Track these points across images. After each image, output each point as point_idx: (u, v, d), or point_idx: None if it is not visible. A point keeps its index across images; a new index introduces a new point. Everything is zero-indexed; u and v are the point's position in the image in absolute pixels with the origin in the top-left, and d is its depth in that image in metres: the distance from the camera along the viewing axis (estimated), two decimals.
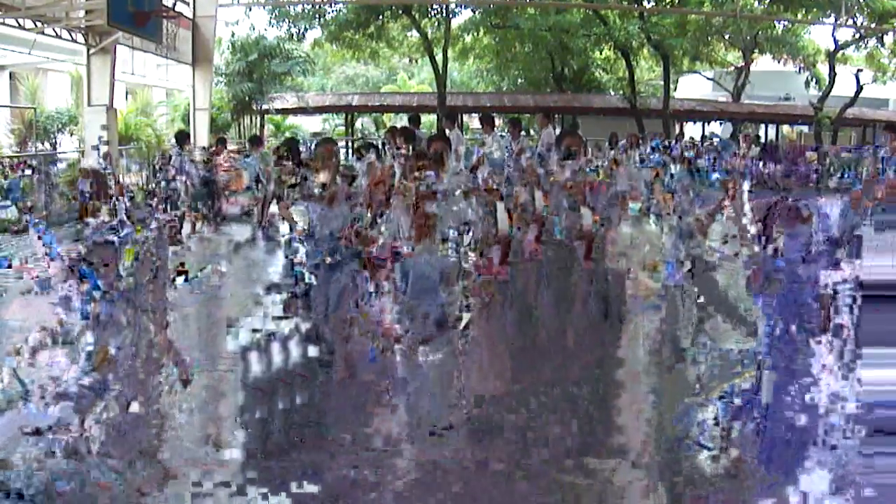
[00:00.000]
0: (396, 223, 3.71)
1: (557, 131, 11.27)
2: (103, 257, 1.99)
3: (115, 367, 2.00)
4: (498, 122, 29.74)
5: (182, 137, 10.26)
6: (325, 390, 2.93)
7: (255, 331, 3.65)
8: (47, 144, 15.64)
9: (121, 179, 10.26)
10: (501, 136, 8.51)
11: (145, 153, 15.40)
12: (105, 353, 1.99)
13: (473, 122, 27.32)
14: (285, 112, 23.44)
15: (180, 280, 2.67)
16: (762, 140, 25.37)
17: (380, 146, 6.78)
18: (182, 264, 2.78)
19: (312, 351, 2.93)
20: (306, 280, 3.42)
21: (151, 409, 2.10)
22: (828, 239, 2.88)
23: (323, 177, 4.52)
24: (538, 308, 4.11)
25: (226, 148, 11.05)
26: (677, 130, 23.56)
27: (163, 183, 8.65)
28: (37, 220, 2.13)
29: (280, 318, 3.42)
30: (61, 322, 2.02)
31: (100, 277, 2.00)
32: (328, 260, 3.41)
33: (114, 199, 2.29)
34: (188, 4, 16.33)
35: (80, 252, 2.01)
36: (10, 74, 18.29)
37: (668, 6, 22.92)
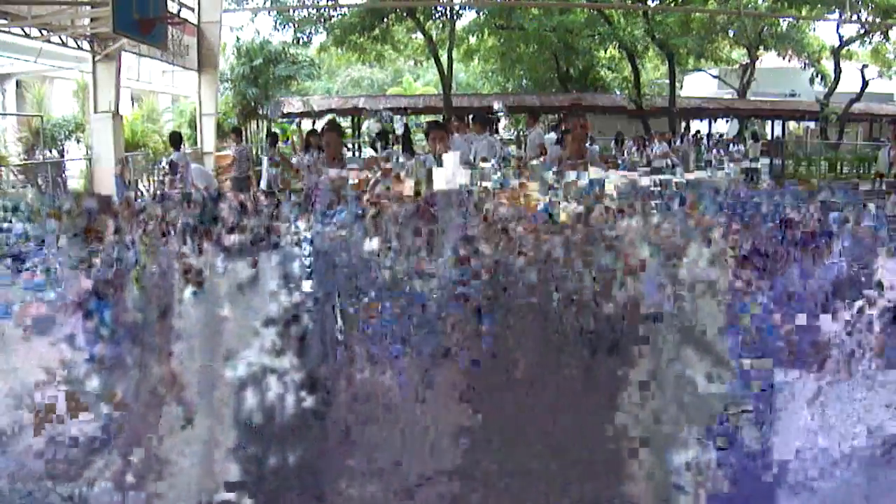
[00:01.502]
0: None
1: (550, 136, 11.06)
2: (113, 288, 1.91)
3: (123, 411, 1.92)
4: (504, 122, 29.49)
5: (177, 139, 9.99)
6: (322, 449, 2.62)
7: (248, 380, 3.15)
8: (55, 152, 15.65)
9: (132, 192, 10.12)
10: (493, 137, 8.28)
11: (152, 160, 15.41)
12: (113, 398, 1.91)
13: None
14: (291, 116, 23.44)
15: (189, 292, 2.53)
16: (769, 137, 25.23)
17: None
18: (192, 270, 2.59)
19: (308, 402, 2.56)
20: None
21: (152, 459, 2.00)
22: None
23: (333, 173, 4.40)
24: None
25: (240, 138, 10.73)
26: (683, 129, 23.47)
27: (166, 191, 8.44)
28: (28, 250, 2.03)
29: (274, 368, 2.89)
30: (63, 362, 1.94)
31: (108, 309, 1.91)
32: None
33: (118, 217, 2.19)
34: (193, 11, 16.32)
35: (90, 286, 1.93)
36: (17, 83, 18.34)
37: (673, 5, 22.82)
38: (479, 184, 3.24)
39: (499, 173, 3.68)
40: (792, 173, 17.93)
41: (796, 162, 20.46)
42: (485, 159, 5.22)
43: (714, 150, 16.50)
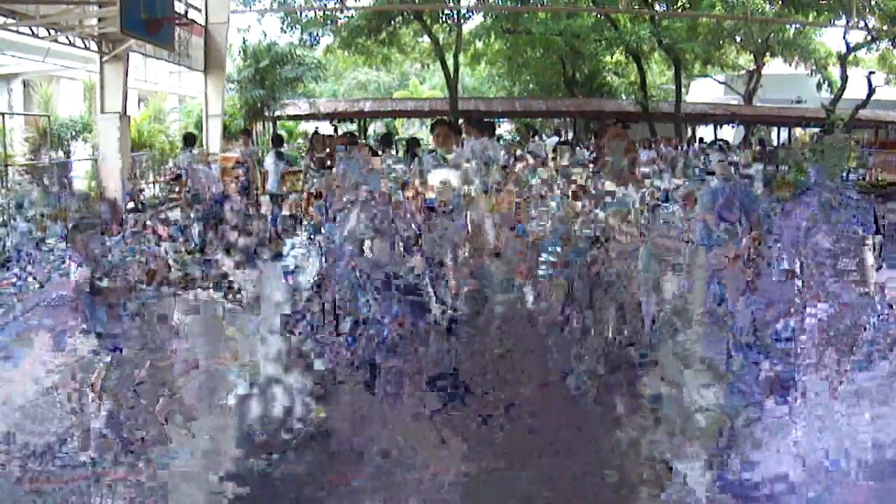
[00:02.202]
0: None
1: (552, 140, 10.93)
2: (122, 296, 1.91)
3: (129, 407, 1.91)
4: (509, 126, 29.58)
5: (189, 140, 10.11)
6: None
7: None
8: (61, 152, 15.68)
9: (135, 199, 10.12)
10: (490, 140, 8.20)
11: (158, 161, 15.46)
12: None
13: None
14: (297, 118, 23.46)
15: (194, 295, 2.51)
16: (775, 143, 25.13)
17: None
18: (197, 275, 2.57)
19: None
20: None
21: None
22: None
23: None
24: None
25: (250, 139, 10.84)
26: (689, 134, 23.46)
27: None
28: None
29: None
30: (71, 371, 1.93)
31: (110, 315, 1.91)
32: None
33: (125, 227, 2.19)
34: (200, 11, 16.37)
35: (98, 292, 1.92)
36: (24, 82, 18.38)
37: (680, 10, 22.79)
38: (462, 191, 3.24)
39: (477, 181, 3.70)
40: (782, 180, 17.83)
41: (788, 168, 20.37)
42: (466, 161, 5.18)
43: (701, 157, 16.42)
